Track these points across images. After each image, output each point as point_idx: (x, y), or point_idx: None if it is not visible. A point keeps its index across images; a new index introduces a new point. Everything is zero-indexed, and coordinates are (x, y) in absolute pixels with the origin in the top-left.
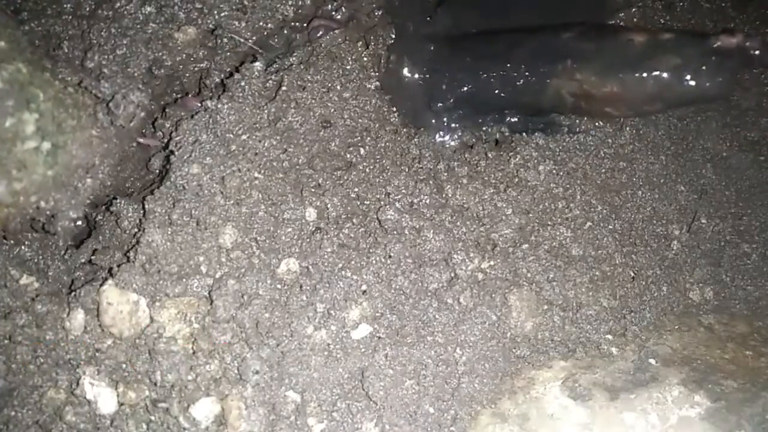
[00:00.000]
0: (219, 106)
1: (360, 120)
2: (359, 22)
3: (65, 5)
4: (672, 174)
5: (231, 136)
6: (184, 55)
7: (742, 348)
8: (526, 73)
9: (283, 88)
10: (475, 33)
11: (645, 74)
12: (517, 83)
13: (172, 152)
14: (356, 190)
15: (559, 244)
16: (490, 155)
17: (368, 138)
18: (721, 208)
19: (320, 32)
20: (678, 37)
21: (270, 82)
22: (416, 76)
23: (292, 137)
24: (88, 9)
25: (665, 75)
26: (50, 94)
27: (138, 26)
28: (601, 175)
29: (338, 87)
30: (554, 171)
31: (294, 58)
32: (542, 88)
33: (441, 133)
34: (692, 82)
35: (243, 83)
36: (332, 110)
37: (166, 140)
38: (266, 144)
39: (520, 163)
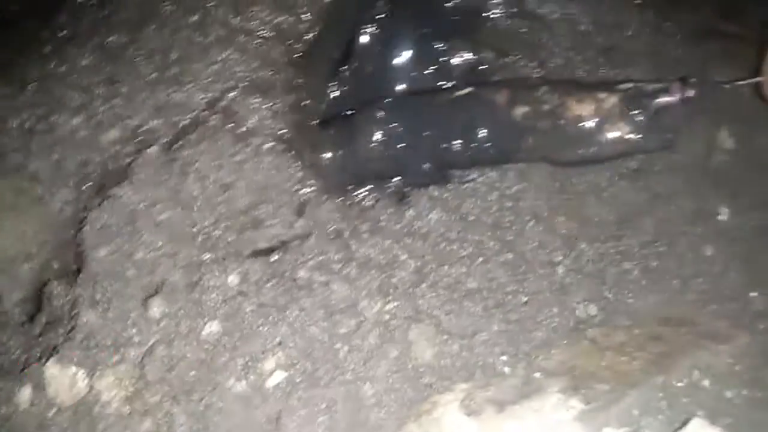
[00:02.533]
0: (122, 191)
1: (257, 178)
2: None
3: (11, 124)
4: (555, 208)
5: (135, 214)
6: (113, 151)
7: (618, 355)
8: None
9: (179, 162)
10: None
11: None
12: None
13: (82, 241)
14: (274, 255)
15: (455, 280)
16: (389, 211)
17: (275, 197)
18: (603, 232)
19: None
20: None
21: (168, 161)
22: (323, 138)
23: (193, 204)
24: (28, 125)
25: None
26: None
27: (69, 135)
28: (490, 216)
29: (231, 152)
30: (444, 217)
31: (194, 135)
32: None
33: (347, 192)
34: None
35: (142, 167)
36: (229, 174)
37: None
38: (169, 214)
39: (413, 215)
